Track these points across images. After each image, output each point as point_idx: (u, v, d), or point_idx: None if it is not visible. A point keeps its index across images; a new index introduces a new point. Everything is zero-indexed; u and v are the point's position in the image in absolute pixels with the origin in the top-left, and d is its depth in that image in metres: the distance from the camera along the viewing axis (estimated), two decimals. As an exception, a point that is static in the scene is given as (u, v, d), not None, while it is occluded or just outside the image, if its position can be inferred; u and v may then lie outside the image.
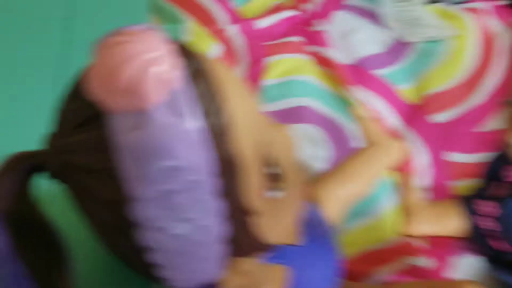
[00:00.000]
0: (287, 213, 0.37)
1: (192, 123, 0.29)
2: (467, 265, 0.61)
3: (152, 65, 0.28)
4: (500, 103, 0.70)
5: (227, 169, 0.31)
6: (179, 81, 0.29)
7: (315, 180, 0.60)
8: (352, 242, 0.63)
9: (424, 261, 0.61)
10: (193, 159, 0.29)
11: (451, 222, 0.63)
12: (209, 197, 0.30)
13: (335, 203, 0.59)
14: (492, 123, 0.71)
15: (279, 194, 0.34)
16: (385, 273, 0.61)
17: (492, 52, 0.74)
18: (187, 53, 0.31)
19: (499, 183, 0.55)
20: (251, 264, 0.38)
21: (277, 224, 0.36)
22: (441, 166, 0.69)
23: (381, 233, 0.64)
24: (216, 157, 0.30)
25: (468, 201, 0.62)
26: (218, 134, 0.30)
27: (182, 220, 0.30)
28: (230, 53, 0.78)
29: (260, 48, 0.78)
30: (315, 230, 0.51)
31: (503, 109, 0.61)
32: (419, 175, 0.69)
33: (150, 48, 0.28)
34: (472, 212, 0.57)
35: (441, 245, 0.64)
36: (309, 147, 0.69)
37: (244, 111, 0.32)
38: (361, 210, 0.65)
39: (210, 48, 0.75)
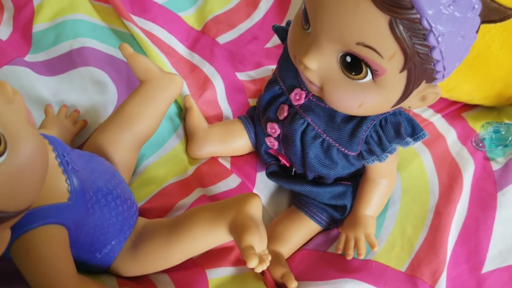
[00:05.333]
0: (23, 176, 0.33)
1: None
2: (264, 179, 0.62)
3: None
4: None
5: None
6: None
7: (99, 129, 0.57)
8: (153, 178, 0.60)
9: (230, 181, 0.61)
10: None
11: (236, 141, 0.62)
12: None
13: (124, 147, 0.56)
14: (274, 39, 0.73)
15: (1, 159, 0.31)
16: (187, 204, 0.61)
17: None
18: None
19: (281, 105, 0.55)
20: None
21: (14, 189, 0.32)
22: (234, 86, 0.69)
23: (179, 163, 0.62)
24: None
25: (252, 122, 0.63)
26: None
27: None
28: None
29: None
30: (98, 181, 0.49)
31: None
32: (219, 97, 0.67)
33: None
34: (264, 134, 0.58)
35: (242, 163, 0.63)
36: (98, 92, 0.64)
37: None
38: (156, 145, 0.62)
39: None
